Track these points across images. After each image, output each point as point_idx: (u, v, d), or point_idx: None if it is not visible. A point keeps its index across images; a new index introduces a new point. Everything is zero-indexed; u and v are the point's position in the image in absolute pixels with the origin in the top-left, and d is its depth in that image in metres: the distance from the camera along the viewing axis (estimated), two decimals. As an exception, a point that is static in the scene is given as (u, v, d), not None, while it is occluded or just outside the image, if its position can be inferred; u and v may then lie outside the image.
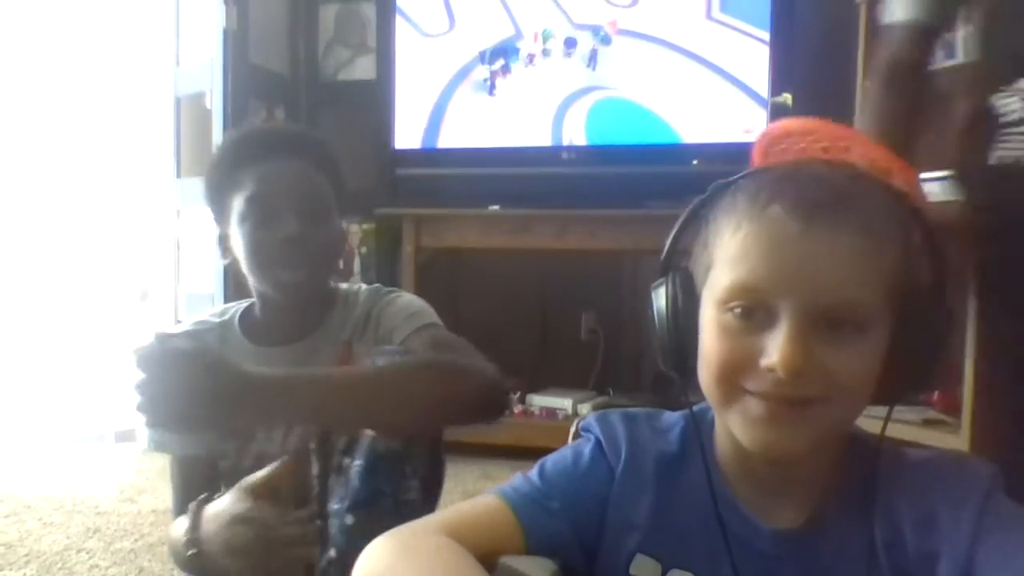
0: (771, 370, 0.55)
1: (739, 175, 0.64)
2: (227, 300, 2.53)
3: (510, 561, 0.63)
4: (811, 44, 2.42)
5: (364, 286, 1.18)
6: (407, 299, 1.13)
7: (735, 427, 0.60)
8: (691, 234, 0.66)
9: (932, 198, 1.88)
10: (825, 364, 0.55)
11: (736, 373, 0.58)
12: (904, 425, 1.87)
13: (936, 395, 2.00)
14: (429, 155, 2.63)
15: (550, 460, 0.69)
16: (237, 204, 1.06)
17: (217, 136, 2.58)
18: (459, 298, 2.73)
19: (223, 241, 1.12)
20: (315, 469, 1.00)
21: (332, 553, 0.91)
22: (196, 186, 2.62)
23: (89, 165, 2.78)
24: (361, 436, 0.95)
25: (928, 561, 0.58)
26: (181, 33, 2.78)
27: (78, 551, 1.73)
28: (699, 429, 0.67)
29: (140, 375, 0.84)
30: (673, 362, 0.64)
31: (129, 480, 2.25)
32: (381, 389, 0.91)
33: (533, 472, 0.69)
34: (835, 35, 2.39)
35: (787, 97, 2.34)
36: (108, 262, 2.83)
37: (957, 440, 1.77)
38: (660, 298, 0.65)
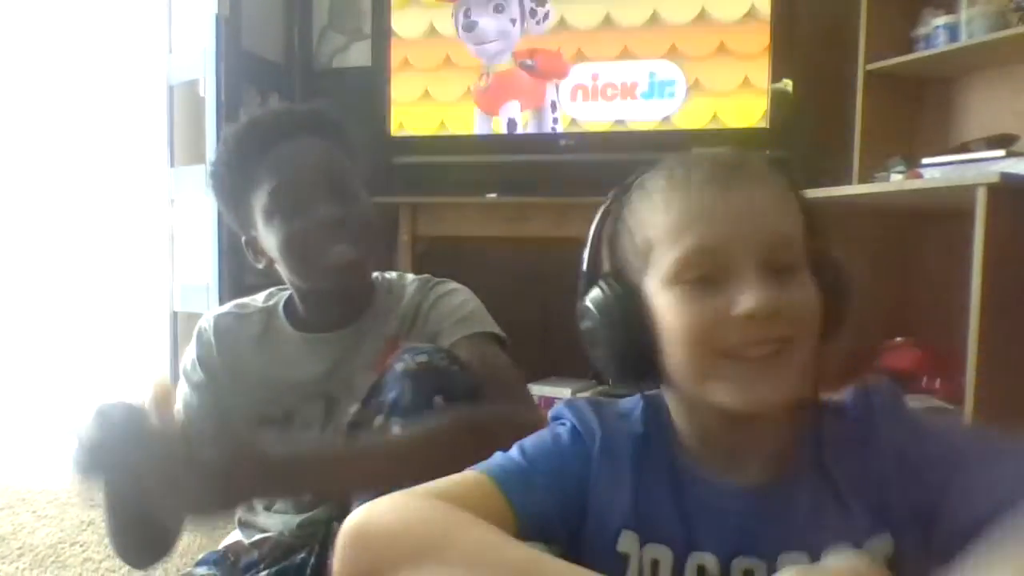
0: (749, 316, 0.58)
1: (629, 180, 0.67)
2: (222, 291, 2.51)
3: None
4: (811, 27, 2.39)
5: (411, 276, 1.13)
6: (460, 298, 1.07)
7: (719, 394, 0.61)
8: (605, 240, 0.68)
9: (935, 183, 1.87)
10: (786, 302, 0.59)
11: (710, 334, 0.59)
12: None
13: (938, 383, 1.99)
14: (426, 142, 2.60)
15: (528, 442, 0.69)
16: (260, 201, 0.98)
17: (211, 124, 2.55)
18: (457, 287, 2.71)
19: (251, 245, 1.04)
20: None
21: None
22: (190, 175, 2.64)
23: (82, 154, 2.75)
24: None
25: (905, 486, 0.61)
26: (173, 20, 2.75)
27: (72, 544, 1.71)
28: (658, 407, 0.69)
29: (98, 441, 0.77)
30: (628, 368, 0.65)
31: (124, 472, 2.23)
32: (408, 466, 0.77)
33: (513, 451, 0.67)
34: (836, 19, 2.35)
35: (787, 83, 2.31)
36: (102, 253, 2.80)
37: (960, 429, 1.75)
38: (597, 306, 0.65)
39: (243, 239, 1.05)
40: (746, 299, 0.58)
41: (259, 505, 1.08)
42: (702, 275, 0.60)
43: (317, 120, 1.03)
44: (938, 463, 0.60)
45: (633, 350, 0.63)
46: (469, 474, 0.65)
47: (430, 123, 2.60)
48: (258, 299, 1.12)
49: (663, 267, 0.61)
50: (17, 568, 1.59)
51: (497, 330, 1.05)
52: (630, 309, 0.63)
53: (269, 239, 0.99)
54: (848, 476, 0.63)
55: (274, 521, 1.05)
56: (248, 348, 1.07)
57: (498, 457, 0.67)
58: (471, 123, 2.58)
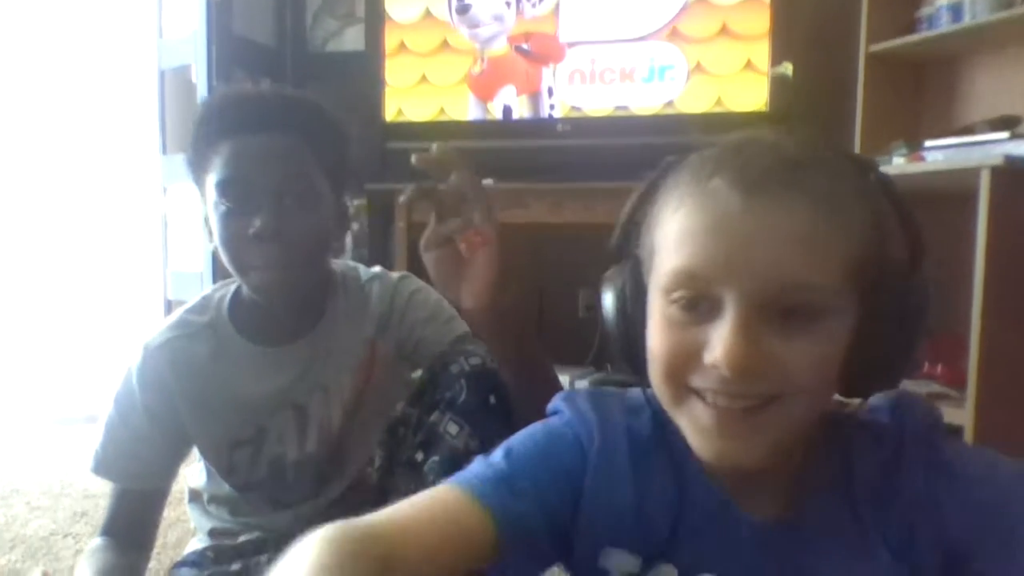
0: (716, 367, 0.50)
1: (672, 160, 0.58)
2: (216, 278, 2.48)
3: None
4: (812, 9, 2.36)
5: (361, 268, 1.08)
6: (430, 297, 1.05)
7: (685, 432, 0.55)
8: (642, 217, 0.60)
9: (938, 166, 1.85)
10: (777, 358, 0.49)
11: (682, 370, 0.53)
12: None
13: (940, 368, 1.97)
14: (421, 128, 2.57)
15: (518, 439, 0.63)
16: (210, 188, 0.92)
17: (202, 110, 2.52)
18: (453, 274, 2.68)
19: (207, 222, 0.97)
20: (377, 461, 0.96)
21: None
22: (182, 162, 2.59)
23: (72, 142, 2.72)
24: (440, 428, 0.90)
25: (918, 525, 0.55)
26: (164, 5, 2.71)
27: (65, 536, 1.69)
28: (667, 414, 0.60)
29: None
30: (626, 359, 0.59)
31: (119, 462, 2.21)
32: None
33: (497, 454, 0.62)
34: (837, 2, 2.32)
35: (787, 66, 2.28)
36: (94, 241, 2.77)
37: (962, 414, 1.74)
38: (609, 289, 0.60)
39: (204, 215, 0.98)
40: (718, 349, 0.50)
41: (225, 511, 1.06)
42: (689, 300, 0.52)
43: (292, 112, 0.94)
44: (974, 510, 0.54)
45: (631, 345, 0.58)
46: (441, 489, 0.59)
47: (429, 108, 2.56)
48: (194, 315, 1.02)
49: (659, 277, 0.54)
50: (10, 560, 1.57)
51: (466, 326, 1.03)
52: (634, 303, 0.58)
53: (213, 227, 0.94)
54: (875, 509, 0.56)
55: (250, 523, 1.04)
56: (205, 369, 0.99)
57: (475, 466, 0.61)
58: (468, 108, 2.54)
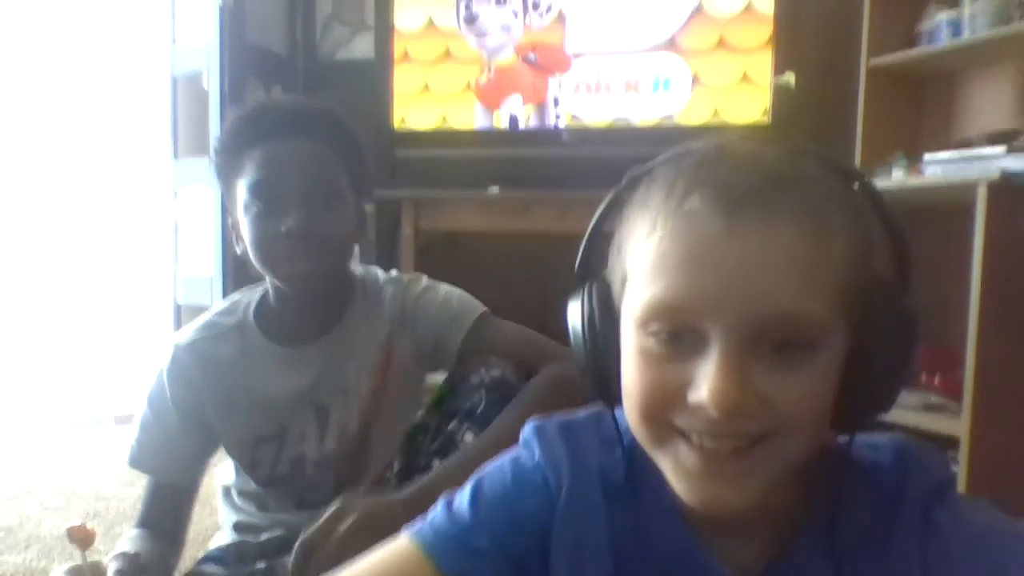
0: (702, 407, 0.45)
1: (658, 159, 0.52)
2: (226, 283, 2.52)
3: None
4: (814, 22, 2.39)
5: (380, 272, 1.12)
6: (439, 293, 1.08)
7: (668, 475, 0.50)
8: (608, 236, 0.55)
9: (936, 179, 1.87)
10: (767, 395, 0.45)
11: (663, 409, 0.48)
12: (904, 410, 1.86)
13: (937, 379, 1.99)
14: (428, 136, 2.60)
15: (487, 479, 0.59)
16: (241, 192, 0.98)
17: (214, 116, 2.56)
18: (458, 282, 2.69)
19: (234, 228, 1.03)
20: (396, 466, 0.97)
21: None
22: (193, 167, 2.64)
23: (85, 147, 2.76)
24: (457, 437, 0.93)
25: None
26: (177, 12, 2.75)
27: (78, 535, 1.73)
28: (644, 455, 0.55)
29: None
30: (599, 393, 0.54)
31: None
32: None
33: (464, 496, 0.58)
34: (838, 14, 2.35)
35: (790, 76, 2.31)
36: (105, 245, 2.81)
37: (958, 425, 1.77)
38: (575, 315, 0.54)
39: (229, 220, 1.05)
40: (704, 388, 0.45)
41: (253, 506, 1.10)
42: (669, 334, 0.47)
43: (319, 121, 1.01)
44: None
45: (603, 378, 0.53)
46: (398, 544, 0.57)
47: (431, 116, 2.60)
48: (223, 315, 1.08)
49: (632, 306, 0.49)
50: (24, 559, 1.61)
51: (481, 306, 1.08)
52: (604, 332, 0.52)
53: (244, 230, 1.00)
54: (860, 561, 0.51)
55: (276, 519, 1.07)
56: (231, 369, 1.04)
57: (439, 511, 0.58)
58: (472, 116, 2.58)
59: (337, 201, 1.00)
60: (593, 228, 0.56)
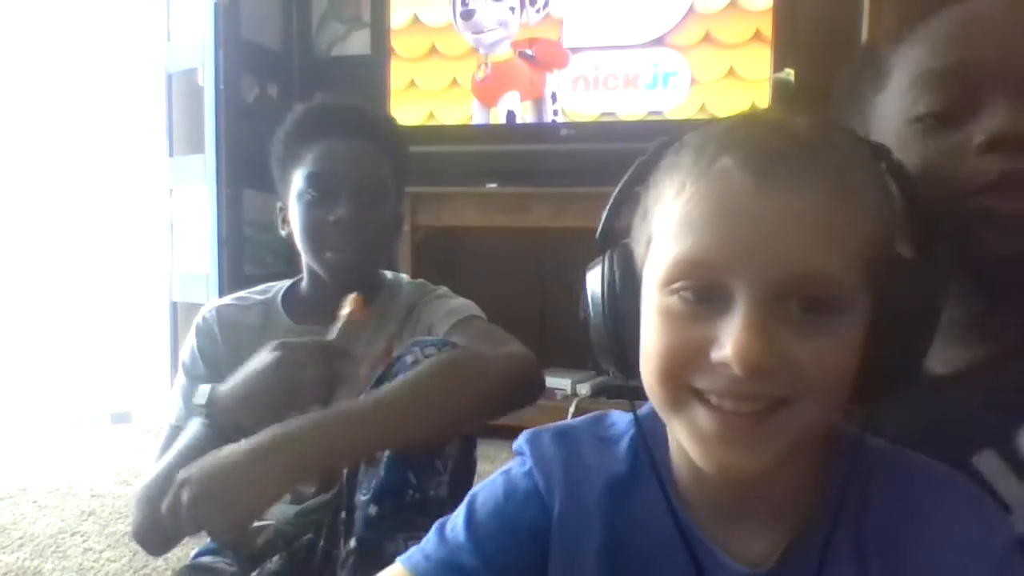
0: (725, 365, 0.45)
1: (668, 141, 0.54)
2: (221, 281, 2.51)
3: None
4: (812, 18, 2.38)
5: (407, 278, 1.19)
6: (452, 300, 1.13)
7: (684, 440, 0.49)
8: (632, 204, 0.55)
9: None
10: (792, 356, 0.45)
11: (683, 370, 0.47)
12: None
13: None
14: (425, 132, 2.59)
15: (480, 497, 0.59)
16: (297, 179, 1.08)
17: (210, 113, 2.54)
18: (456, 278, 2.68)
19: (282, 212, 1.14)
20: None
21: (353, 543, 0.88)
22: (189, 164, 2.63)
23: (79, 144, 2.74)
24: None
25: None
26: (172, 8, 2.73)
27: (72, 534, 1.71)
28: (649, 439, 0.55)
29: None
30: (613, 357, 0.54)
31: (125, 462, 2.23)
32: (399, 406, 0.84)
33: (457, 517, 0.58)
34: (837, 10, 2.34)
35: (789, 72, 2.30)
36: (101, 243, 2.79)
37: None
38: (594, 281, 0.54)
39: (278, 204, 1.15)
40: (728, 345, 0.45)
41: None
42: (695, 291, 0.47)
43: (376, 125, 1.14)
44: None
45: (620, 345, 0.53)
46: (391, 571, 0.57)
47: (418, 112, 2.58)
48: (256, 293, 1.17)
49: (657, 267, 0.49)
50: (18, 558, 1.59)
51: (479, 312, 1.10)
52: (624, 298, 0.52)
53: (294, 216, 1.10)
54: (893, 565, 0.50)
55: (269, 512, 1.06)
56: (250, 339, 1.08)
57: (433, 534, 0.59)
58: (458, 112, 2.56)
59: (383, 199, 1.10)
60: (616, 197, 0.56)
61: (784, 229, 0.45)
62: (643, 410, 0.56)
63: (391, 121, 1.17)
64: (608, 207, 0.57)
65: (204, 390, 0.95)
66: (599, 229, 0.57)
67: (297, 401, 0.90)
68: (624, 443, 0.57)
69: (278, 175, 1.14)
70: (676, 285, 0.47)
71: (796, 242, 0.45)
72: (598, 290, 0.54)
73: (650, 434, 0.56)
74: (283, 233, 1.14)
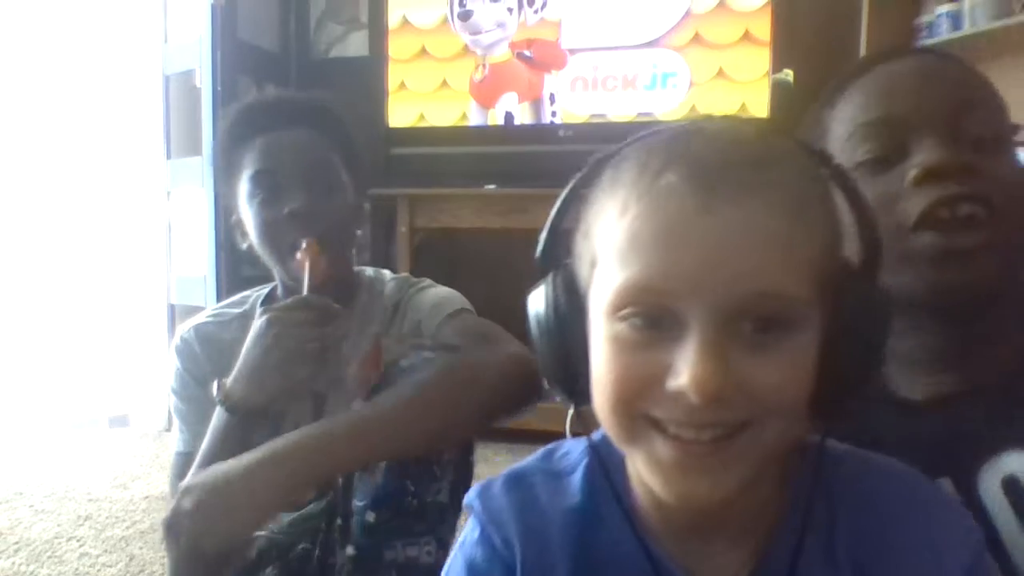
0: (681, 394, 0.43)
1: (605, 154, 0.51)
2: (219, 283, 2.50)
3: None
4: (812, 16, 2.37)
5: (390, 274, 1.14)
6: (435, 290, 1.09)
7: (643, 470, 0.48)
8: (573, 221, 0.52)
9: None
10: (749, 379, 0.43)
11: (638, 399, 0.45)
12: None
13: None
14: (423, 133, 2.59)
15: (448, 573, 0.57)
16: (243, 185, 1.01)
17: (207, 115, 2.53)
18: (454, 279, 2.64)
19: (238, 226, 1.06)
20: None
21: (350, 551, 0.86)
22: (186, 166, 2.62)
23: (76, 146, 2.73)
24: None
25: None
26: (169, 9, 2.72)
27: (68, 539, 1.70)
28: (607, 464, 0.52)
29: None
30: (563, 386, 0.51)
31: (122, 466, 2.22)
32: (398, 417, 0.82)
33: None
34: (837, 7, 2.33)
35: (788, 73, 2.29)
36: (98, 245, 2.78)
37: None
38: (538, 304, 0.52)
39: (233, 218, 1.08)
40: (684, 374, 0.43)
41: None
42: (645, 318, 0.45)
43: (312, 111, 1.04)
44: None
45: (570, 373, 0.50)
46: None
47: (409, 114, 2.58)
48: (233, 306, 1.11)
49: (604, 293, 0.46)
50: (14, 563, 1.58)
51: (467, 304, 1.07)
52: (570, 323, 0.50)
53: (248, 223, 1.02)
54: (865, 570, 0.49)
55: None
56: (232, 354, 1.03)
57: None
58: (449, 113, 2.55)
59: (337, 187, 1.03)
60: (556, 214, 0.54)
61: (734, 249, 0.43)
62: (597, 434, 0.54)
63: (329, 107, 1.06)
64: (547, 227, 0.54)
65: (215, 385, 0.94)
66: (538, 250, 0.54)
67: (307, 359, 0.90)
68: (578, 474, 0.55)
69: (226, 188, 1.06)
70: (624, 312, 0.45)
71: (748, 262, 0.43)
72: (543, 315, 0.51)
73: (607, 460, 0.53)
74: (243, 246, 1.06)
